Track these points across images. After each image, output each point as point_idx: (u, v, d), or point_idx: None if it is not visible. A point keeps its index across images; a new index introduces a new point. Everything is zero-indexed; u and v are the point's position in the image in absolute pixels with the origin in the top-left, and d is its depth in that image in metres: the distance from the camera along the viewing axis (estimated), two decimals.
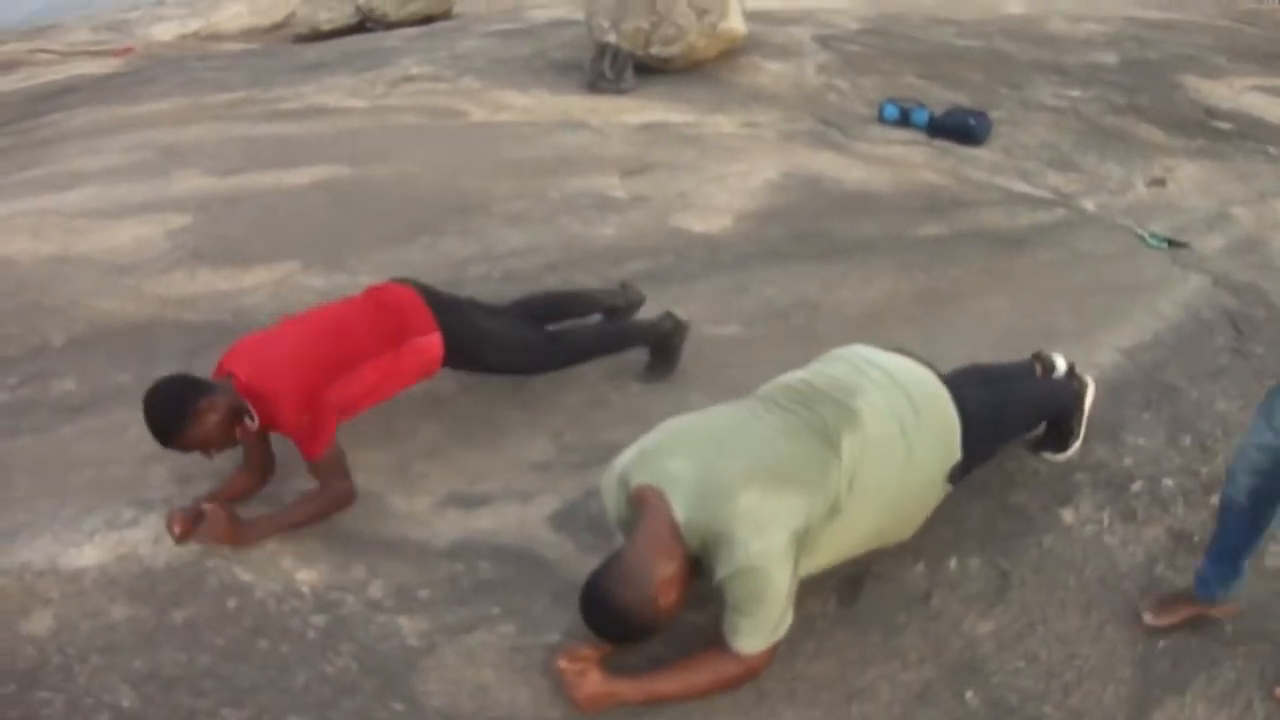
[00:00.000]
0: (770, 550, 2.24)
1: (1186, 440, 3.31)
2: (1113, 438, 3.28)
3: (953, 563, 2.80)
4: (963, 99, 6.80)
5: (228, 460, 2.98)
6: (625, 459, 2.49)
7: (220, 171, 5.50)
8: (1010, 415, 3.01)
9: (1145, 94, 7.07)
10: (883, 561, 2.75)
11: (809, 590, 2.49)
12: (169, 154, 5.85)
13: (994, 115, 6.46)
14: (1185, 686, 2.46)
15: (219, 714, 2.38)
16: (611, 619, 2.28)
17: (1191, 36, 8.48)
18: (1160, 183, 5.72)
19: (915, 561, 2.78)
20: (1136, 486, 3.09)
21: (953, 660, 2.52)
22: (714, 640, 2.36)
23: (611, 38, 7.11)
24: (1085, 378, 3.28)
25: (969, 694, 2.43)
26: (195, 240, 4.65)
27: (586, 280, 4.16)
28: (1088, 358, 3.59)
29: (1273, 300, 4.27)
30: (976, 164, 5.88)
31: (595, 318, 3.76)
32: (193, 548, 2.81)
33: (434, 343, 3.11)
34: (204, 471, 3.00)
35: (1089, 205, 5.38)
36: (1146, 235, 4.91)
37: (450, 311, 3.18)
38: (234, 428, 2.80)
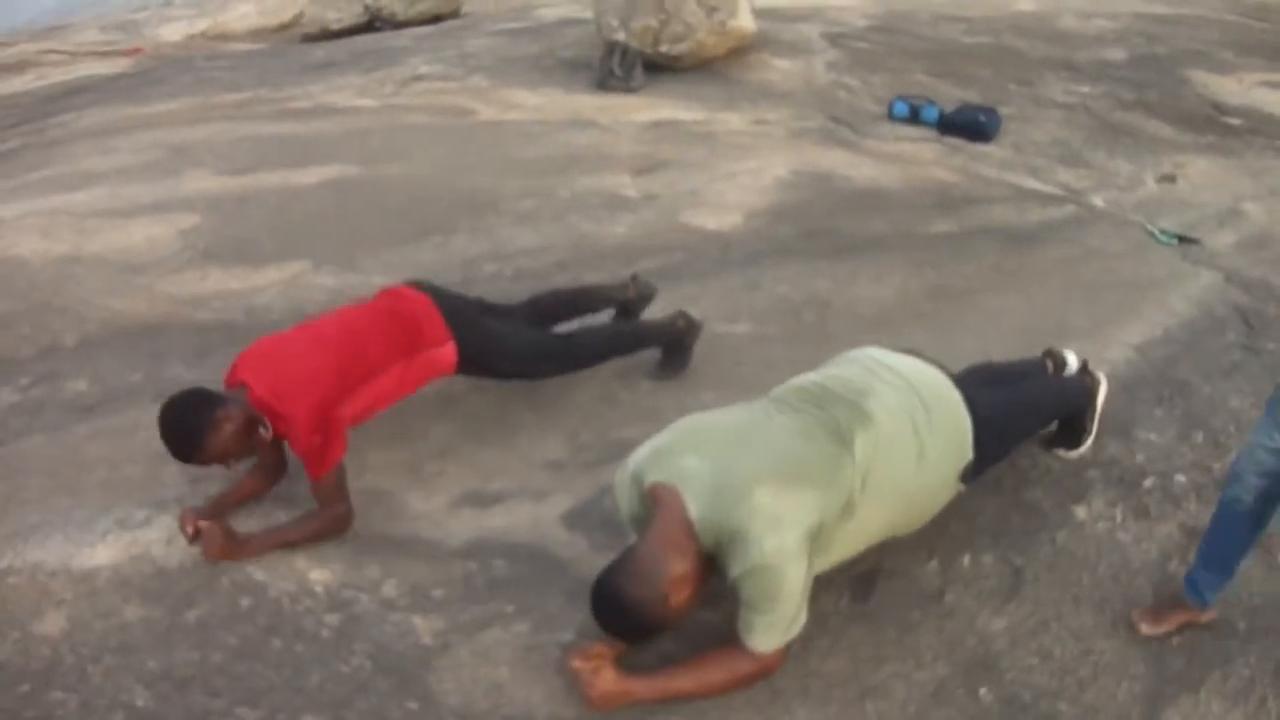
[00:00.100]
0: (785, 548, 2.24)
1: (1199, 436, 3.30)
2: (1125, 434, 3.28)
3: (966, 560, 2.79)
4: (972, 96, 6.78)
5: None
6: (639, 456, 2.48)
7: (230, 171, 5.51)
8: (1023, 415, 3.01)
9: (1154, 90, 7.04)
10: (896, 558, 2.75)
11: (822, 587, 2.48)
12: (179, 154, 5.85)
13: (1004, 112, 6.44)
14: (1199, 683, 2.45)
15: (234, 713, 2.38)
16: (622, 616, 2.27)
17: (1200, 31, 8.44)
18: (1170, 179, 5.70)
19: (929, 558, 2.78)
20: (1149, 483, 3.08)
21: (966, 657, 2.52)
22: (728, 638, 2.36)
23: (620, 36, 7.10)
24: (1098, 374, 3.27)
25: (983, 691, 2.43)
26: (206, 240, 4.66)
27: (598, 279, 4.13)
28: (1099, 354, 3.57)
29: None
30: (987, 161, 5.86)
31: (608, 314, 3.75)
32: None
33: (448, 353, 3.11)
34: (216, 471, 3.00)
35: (1099, 202, 5.36)
36: (1157, 232, 4.90)
37: (464, 320, 3.16)
38: (250, 437, 2.80)
